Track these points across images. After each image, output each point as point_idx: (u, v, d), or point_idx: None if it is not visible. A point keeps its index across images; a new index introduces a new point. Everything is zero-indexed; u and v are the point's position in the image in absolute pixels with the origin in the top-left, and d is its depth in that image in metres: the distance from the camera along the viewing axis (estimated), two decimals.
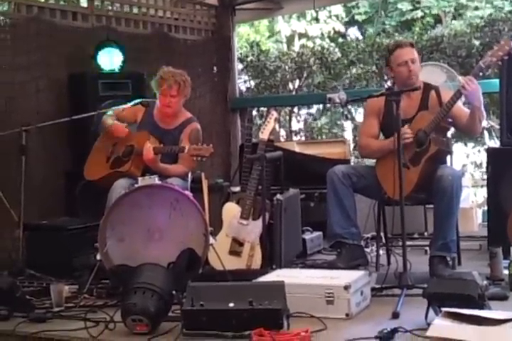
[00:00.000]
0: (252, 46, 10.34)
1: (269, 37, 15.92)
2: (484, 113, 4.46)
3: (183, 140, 4.95)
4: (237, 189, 4.80)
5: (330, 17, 15.47)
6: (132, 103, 5.06)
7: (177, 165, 4.89)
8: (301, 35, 15.63)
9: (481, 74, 4.34)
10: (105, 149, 5.09)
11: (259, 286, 3.50)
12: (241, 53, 9.89)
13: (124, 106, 5.09)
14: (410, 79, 4.47)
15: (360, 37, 14.79)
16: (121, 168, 4.91)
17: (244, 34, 14.52)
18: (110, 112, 5.12)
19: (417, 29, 11.51)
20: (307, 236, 5.48)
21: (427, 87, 4.56)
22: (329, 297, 3.53)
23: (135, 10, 7.17)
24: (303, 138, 10.25)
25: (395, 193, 3.96)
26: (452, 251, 4.42)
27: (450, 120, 4.43)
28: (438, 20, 13.88)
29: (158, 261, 3.78)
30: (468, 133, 4.62)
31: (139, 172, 4.81)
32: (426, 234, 5.71)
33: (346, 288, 3.52)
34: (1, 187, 5.07)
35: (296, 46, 14.82)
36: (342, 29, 15.74)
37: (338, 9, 15.26)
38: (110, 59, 6.13)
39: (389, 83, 5.21)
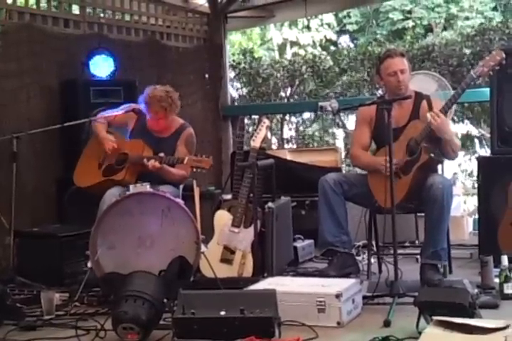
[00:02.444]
0: (245, 53, 10.36)
1: (261, 45, 15.96)
2: (457, 143, 4.50)
3: (179, 146, 4.96)
4: (229, 197, 4.80)
5: (321, 25, 15.53)
6: (125, 110, 5.05)
7: (178, 170, 4.89)
8: (292, 43, 15.67)
9: (472, 83, 4.37)
10: (96, 156, 5.07)
11: (250, 294, 3.49)
12: (233, 60, 9.91)
13: (116, 112, 5.08)
14: (399, 90, 4.50)
15: (352, 45, 14.84)
16: (115, 176, 4.89)
17: (236, 42, 14.55)
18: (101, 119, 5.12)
19: (409, 38, 11.56)
20: (299, 244, 5.47)
21: (418, 96, 4.59)
22: (320, 305, 3.53)
23: (127, 17, 7.19)
24: (294, 146, 10.26)
25: (386, 202, 3.96)
26: (443, 259, 4.43)
27: None
28: (429, 29, 13.96)
29: (149, 269, 3.77)
30: (444, 156, 4.64)
31: (133, 181, 4.80)
32: (417, 242, 5.71)
33: (338, 296, 3.51)
34: None
35: (288, 54, 14.86)
36: (334, 37, 15.79)
37: (329, 18, 15.32)
38: (102, 66, 6.13)
39: (380, 91, 5.22)
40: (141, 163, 4.76)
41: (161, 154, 4.77)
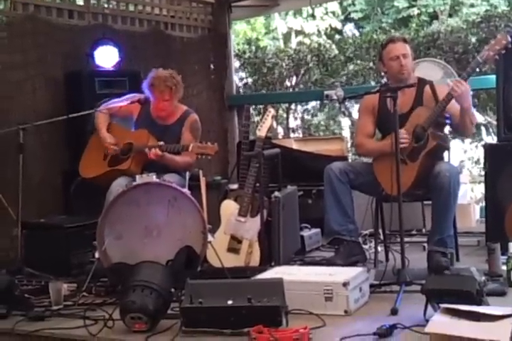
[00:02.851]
0: (250, 43, 10.33)
1: (266, 34, 15.91)
2: (475, 115, 4.49)
3: (184, 133, 4.96)
4: (235, 186, 4.80)
5: (326, 14, 15.48)
6: (129, 101, 5.04)
7: (183, 156, 4.89)
8: (297, 32, 15.63)
9: (477, 69, 4.35)
10: (102, 147, 5.07)
11: (257, 283, 3.50)
12: (238, 50, 9.89)
13: (120, 103, 5.07)
14: (401, 74, 4.49)
15: (357, 34, 14.78)
16: (120, 165, 4.90)
17: (241, 31, 14.51)
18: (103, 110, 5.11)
19: (414, 25, 11.52)
20: (305, 233, 5.48)
21: (421, 82, 4.56)
22: (328, 294, 3.53)
23: (131, 7, 7.17)
24: (300, 135, 10.25)
25: (393, 189, 3.96)
26: (449, 246, 4.42)
27: (447, 115, 4.44)
28: (434, 16, 13.90)
29: (156, 259, 3.78)
30: (461, 133, 4.65)
31: (139, 170, 4.81)
32: (424, 230, 5.71)
33: (345, 284, 3.52)
34: None
35: (293, 43, 14.82)
36: (339, 26, 15.74)
37: (334, 6, 15.25)
38: (107, 57, 6.13)
39: (386, 79, 5.20)
40: (145, 152, 4.76)
41: (161, 142, 4.76)
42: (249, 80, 10.02)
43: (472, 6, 13.43)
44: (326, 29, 15.55)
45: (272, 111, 4.83)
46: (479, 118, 9.63)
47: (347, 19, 15.87)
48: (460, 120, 4.40)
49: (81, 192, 5.28)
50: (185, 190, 4.42)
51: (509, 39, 4.24)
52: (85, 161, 5.11)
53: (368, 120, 4.70)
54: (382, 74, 7.62)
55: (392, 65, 4.53)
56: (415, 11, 14.00)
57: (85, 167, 5.08)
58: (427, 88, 4.52)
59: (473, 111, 4.53)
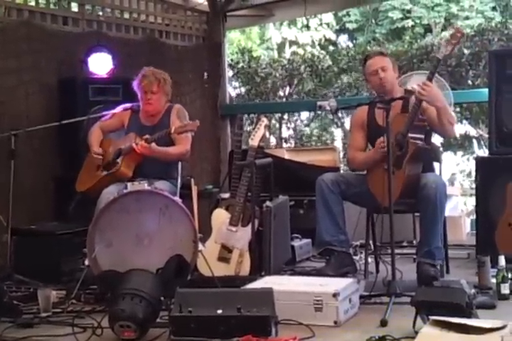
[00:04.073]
0: (243, 52, 10.35)
1: (260, 44, 15.96)
2: (453, 114, 4.51)
3: (173, 123, 4.93)
4: (227, 195, 4.80)
5: (321, 25, 15.54)
6: (121, 108, 5.03)
7: (176, 146, 4.89)
8: (291, 43, 15.68)
9: (440, 65, 4.40)
10: (96, 162, 5.05)
11: (247, 293, 3.50)
12: (232, 59, 9.90)
13: (112, 111, 5.06)
14: (383, 87, 4.52)
15: (351, 45, 14.84)
16: (112, 169, 4.87)
17: (235, 40, 14.54)
18: (97, 124, 5.10)
19: (407, 38, 11.56)
20: (296, 243, 5.48)
21: (407, 93, 4.56)
22: (318, 304, 3.53)
23: (126, 15, 7.19)
24: (293, 145, 10.26)
25: (385, 201, 3.96)
26: (437, 257, 4.42)
27: (423, 117, 4.44)
28: (428, 29, 13.96)
29: (146, 267, 3.77)
30: (442, 135, 4.65)
31: (131, 172, 4.78)
32: (414, 242, 5.70)
33: (335, 295, 3.52)
34: None
35: (287, 53, 14.86)
36: (333, 37, 15.80)
37: (328, 17, 15.32)
38: (101, 64, 6.13)
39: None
40: (133, 150, 4.75)
41: (146, 136, 4.75)
42: (243, 90, 10.03)
43: (467, 18, 13.49)
44: (320, 40, 15.61)
45: (264, 120, 4.84)
46: (471, 131, 9.68)
47: (341, 30, 15.93)
48: (438, 121, 4.39)
49: (80, 209, 5.19)
50: (177, 199, 4.41)
51: (463, 32, 4.30)
52: (81, 177, 5.04)
53: (358, 135, 4.72)
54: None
55: (372, 79, 4.58)
56: (409, 23, 14.06)
57: (81, 182, 5.02)
58: (413, 98, 4.51)
59: (451, 111, 4.53)
